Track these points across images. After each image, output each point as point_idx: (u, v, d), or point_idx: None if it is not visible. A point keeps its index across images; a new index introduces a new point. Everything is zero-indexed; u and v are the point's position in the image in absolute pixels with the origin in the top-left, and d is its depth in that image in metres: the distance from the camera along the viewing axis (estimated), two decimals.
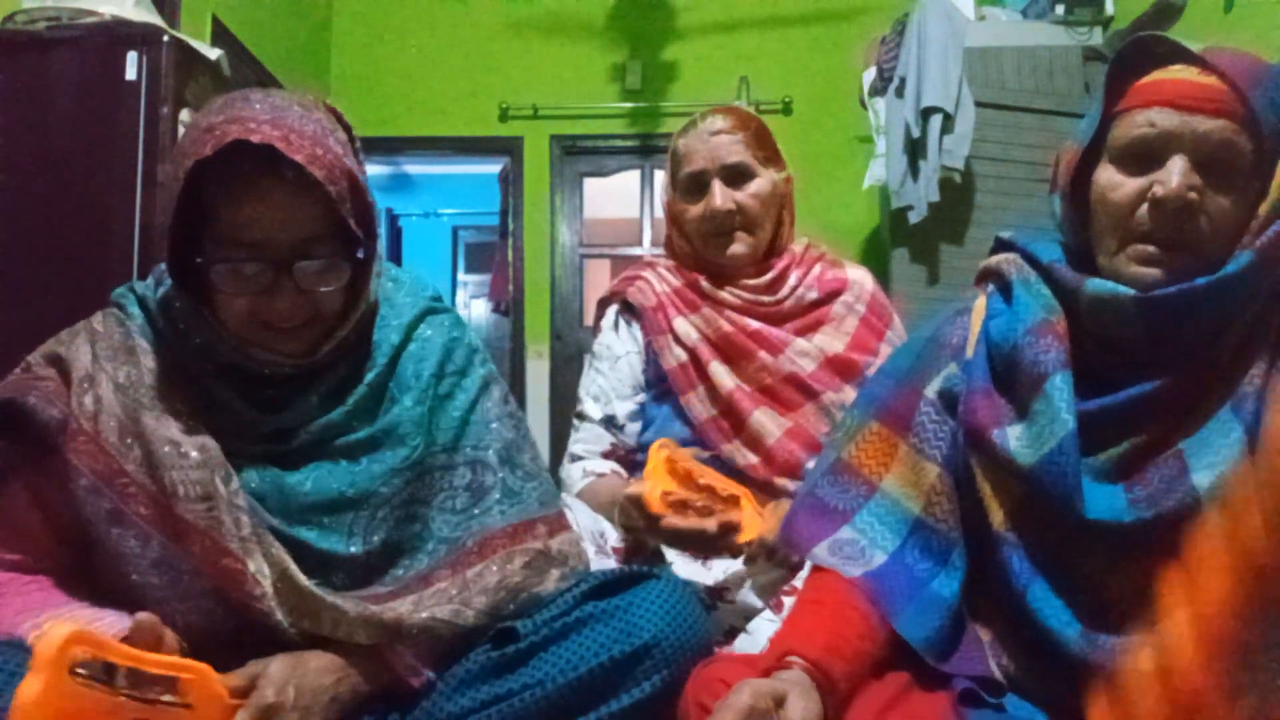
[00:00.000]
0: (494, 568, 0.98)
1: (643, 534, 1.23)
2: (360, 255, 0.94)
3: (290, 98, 0.93)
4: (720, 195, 1.43)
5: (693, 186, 1.47)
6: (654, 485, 1.17)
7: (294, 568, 0.89)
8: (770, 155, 1.48)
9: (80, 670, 0.71)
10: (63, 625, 0.71)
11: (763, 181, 1.46)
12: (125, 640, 0.77)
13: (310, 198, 0.89)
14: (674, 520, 1.16)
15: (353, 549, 0.95)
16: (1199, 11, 2.86)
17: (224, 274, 0.89)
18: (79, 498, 0.89)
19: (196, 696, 0.79)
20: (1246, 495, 0.64)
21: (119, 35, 2.20)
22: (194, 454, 0.89)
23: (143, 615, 0.79)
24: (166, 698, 0.77)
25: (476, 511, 1.02)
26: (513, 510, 1.03)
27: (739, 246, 1.45)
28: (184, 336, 0.95)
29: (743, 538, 1.17)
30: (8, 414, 0.90)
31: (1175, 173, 0.80)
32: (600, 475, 1.45)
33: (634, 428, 1.51)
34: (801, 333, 1.45)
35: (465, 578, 0.97)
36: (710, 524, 1.16)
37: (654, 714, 0.88)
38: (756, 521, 1.18)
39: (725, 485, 1.23)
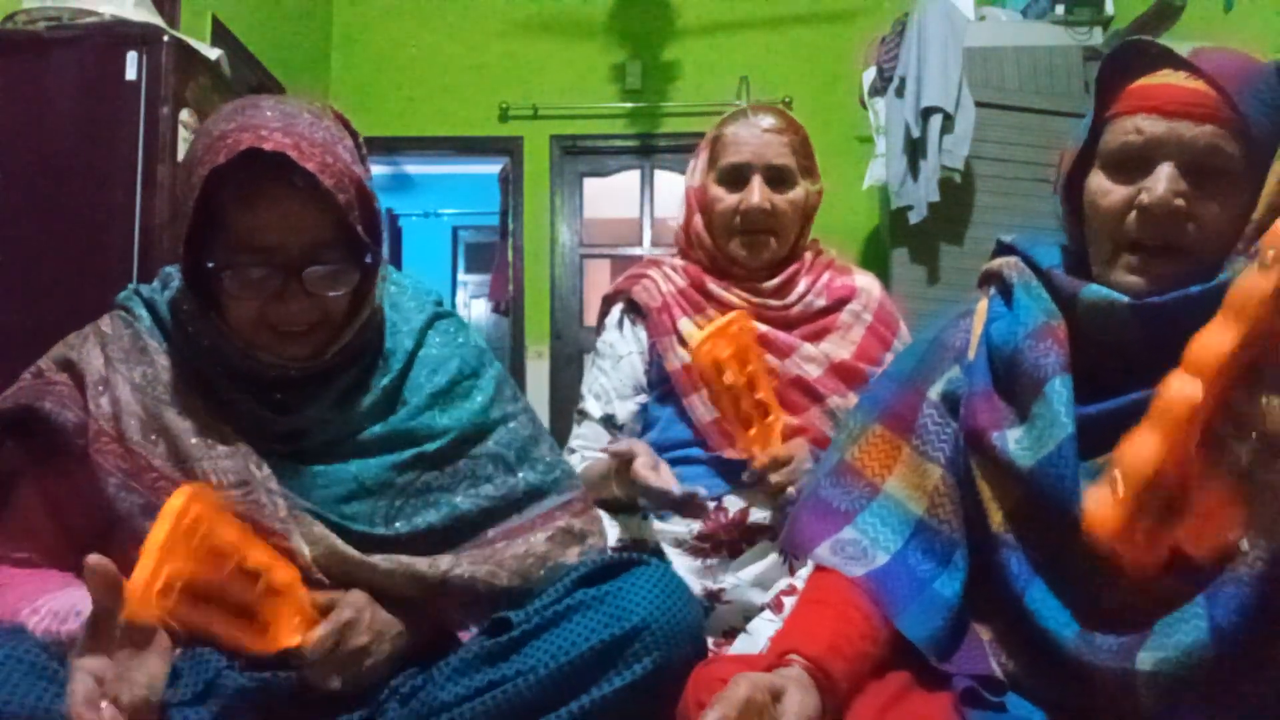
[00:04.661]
0: (519, 541, 1.02)
1: (625, 491, 1.29)
2: (368, 260, 0.95)
3: (300, 104, 0.94)
4: (759, 192, 1.41)
5: (733, 176, 1.44)
6: (707, 335, 1.27)
7: (337, 539, 0.92)
8: (809, 166, 1.47)
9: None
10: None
11: (799, 190, 1.45)
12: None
13: (320, 204, 0.90)
14: (648, 477, 1.23)
15: (376, 532, 0.97)
16: (1199, 11, 2.85)
17: (235, 279, 0.91)
18: (111, 495, 0.90)
19: (285, 601, 0.86)
20: None
21: (119, 35, 2.20)
22: (221, 445, 0.92)
23: (94, 557, 0.73)
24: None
25: (501, 508, 1.04)
26: (532, 506, 1.06)
27: (763, 252, 1.44)
28: (193, 339, 0.97)
29: (758, 461, 1.29)
30: (23, 418, 0.91)
31: (1162, 180, 0.80)
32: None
33: (634, 428, 1.51)
34: (808, 339, 1.44)
35: (494, 549, 1.01)
36: (677, 490, 1.23)
37: (646, 696, 0.88)
38: (771, 442, 1.31)
39: (769, 394, 1.32)
